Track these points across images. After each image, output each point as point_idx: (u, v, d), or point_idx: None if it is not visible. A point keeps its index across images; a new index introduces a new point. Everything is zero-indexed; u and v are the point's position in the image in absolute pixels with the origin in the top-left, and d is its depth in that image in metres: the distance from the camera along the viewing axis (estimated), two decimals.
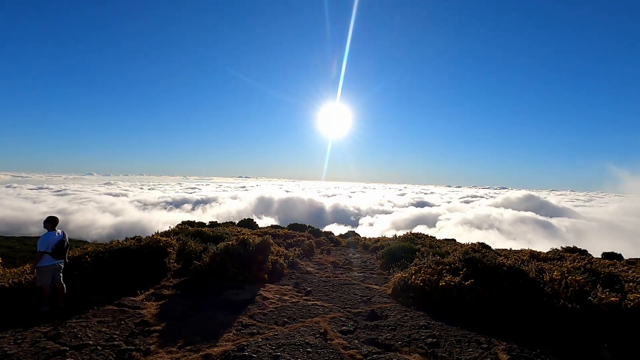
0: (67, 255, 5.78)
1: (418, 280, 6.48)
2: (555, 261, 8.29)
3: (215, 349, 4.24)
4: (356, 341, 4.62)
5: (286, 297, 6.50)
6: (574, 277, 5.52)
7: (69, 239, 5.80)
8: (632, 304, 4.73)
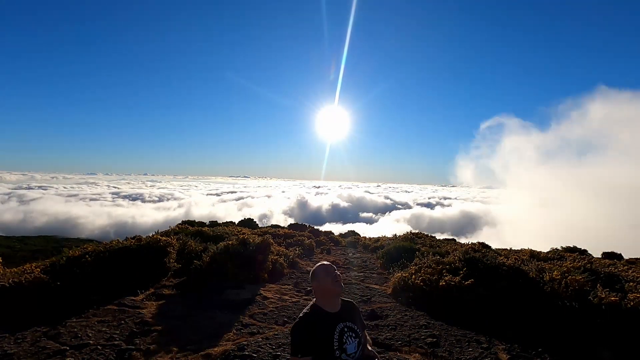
0: None
1: (418, 280, 6.48)
2: (555, 261, 8.27)
3: (215, 349, 4.24)
4: None
5: (286, 297, 6.50)
6: (574, 277, 5.52)
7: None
8: (632, 303, 4.72)
